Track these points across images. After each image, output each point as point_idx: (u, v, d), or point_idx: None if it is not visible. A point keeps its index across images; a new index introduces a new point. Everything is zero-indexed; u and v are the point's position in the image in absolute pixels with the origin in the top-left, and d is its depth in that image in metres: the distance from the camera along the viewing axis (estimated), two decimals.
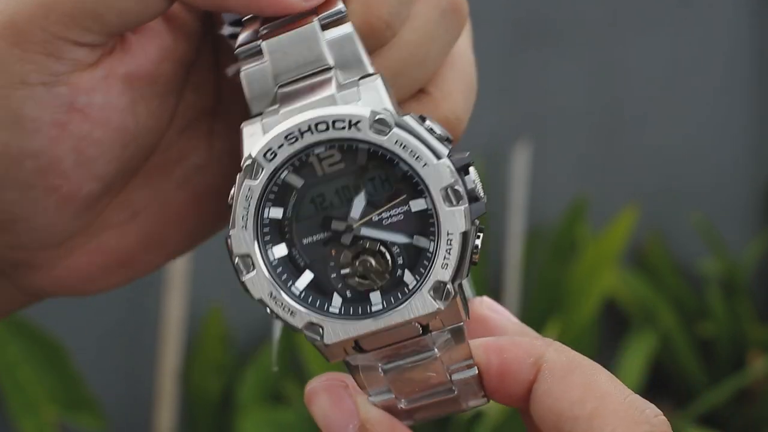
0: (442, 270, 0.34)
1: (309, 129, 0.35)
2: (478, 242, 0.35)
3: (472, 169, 0.35)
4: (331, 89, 0.36)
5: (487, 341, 0.37)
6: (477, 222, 0.35)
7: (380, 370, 0.36)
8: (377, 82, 0.36)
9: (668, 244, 2.39)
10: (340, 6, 0.37)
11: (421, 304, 0.34)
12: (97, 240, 0.44)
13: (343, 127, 0.34)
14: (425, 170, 0.34)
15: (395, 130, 0.34)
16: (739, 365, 2.18)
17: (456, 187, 0.34)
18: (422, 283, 0.34)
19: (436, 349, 0.36)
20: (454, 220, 0.34)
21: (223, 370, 1.86)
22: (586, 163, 2.34)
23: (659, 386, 2.25)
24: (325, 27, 0.37)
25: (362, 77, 0.36)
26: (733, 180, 2.53)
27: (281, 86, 0.37)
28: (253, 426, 1.70)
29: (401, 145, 0.34)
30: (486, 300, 0.42)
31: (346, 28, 0.37)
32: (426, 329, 0.35)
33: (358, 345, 0.35)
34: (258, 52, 0.38)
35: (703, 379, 2.19)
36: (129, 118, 0.41)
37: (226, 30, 0.42)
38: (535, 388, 0.36)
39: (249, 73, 0.38)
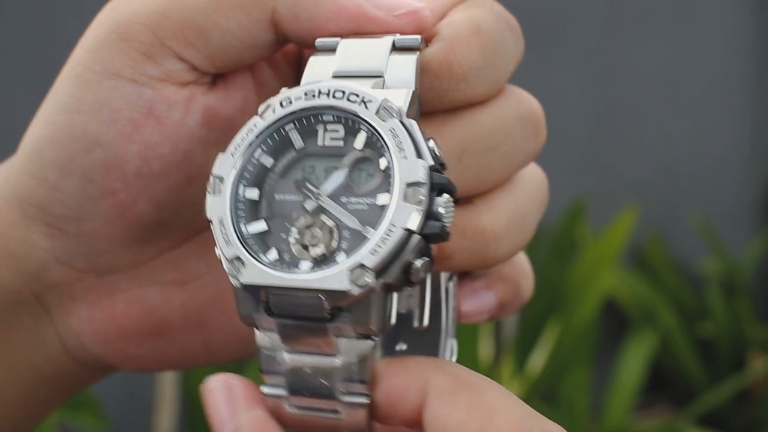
0: (369, 255, 0.33)
1: (327, 92, 0.36)
2: (419, 264, 0.34)
3: (446, 196, 0.35)
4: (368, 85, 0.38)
5: (379, 367, 0.36)
6: (427, 245, 0.34)
7: (282, 355, 0.36)
8: (403, 91, 0.37)
9: (668, 244, 2.39)
10: (418, 37, 0.39)
11: (336, 279, 0.34)
12: (139, 291, 0.44)
13: (355, 101, 0.36)
14: (401, 162, 0.34)
15: (396, 121, 0.35)
16: (739, 365, 2.18)
17: (421, 189, 0.34)
18: (346, 261, 0.34)
19: (338, 359, 0.35)
20: (402, 214, 0.34)
21: (223, 370, 1.86)
22: (586, 163, 2.34)
23: (659, 386, 2.26)
24: (397, 49, 0.39)
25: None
26: (732, 180, 2.53)
27: (334, 77, 0.39)
28: None
29: (394, 134, 0.35)
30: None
31: (412, 57, 0.38)
32: (333, 316, 0.34)
33: (267, 305, 0.35)
34: (333, 49, 0.39)
35: (703, 379, 2.19)
36: (199, 152, 0.42)
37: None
38: (424, 413, 0.35)
39: (316, 60, 0.39)
